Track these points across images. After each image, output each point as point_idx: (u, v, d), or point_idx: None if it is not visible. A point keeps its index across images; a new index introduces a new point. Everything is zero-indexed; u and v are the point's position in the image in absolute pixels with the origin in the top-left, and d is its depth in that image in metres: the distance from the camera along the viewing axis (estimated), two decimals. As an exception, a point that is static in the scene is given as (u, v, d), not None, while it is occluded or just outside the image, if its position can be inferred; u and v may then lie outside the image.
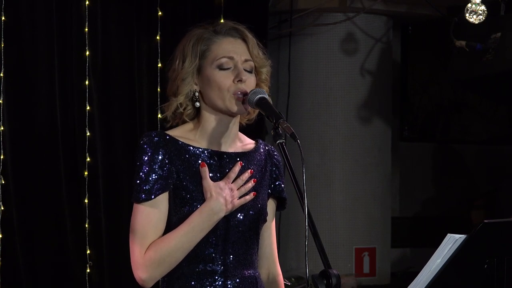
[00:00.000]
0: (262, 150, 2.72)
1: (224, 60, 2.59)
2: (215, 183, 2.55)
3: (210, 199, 2.53)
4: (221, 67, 2.59)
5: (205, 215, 2.53)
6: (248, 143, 2.71)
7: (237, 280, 2.60)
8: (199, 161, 2.58)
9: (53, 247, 5.36)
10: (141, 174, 2.53)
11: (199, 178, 2.56)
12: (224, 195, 2.54)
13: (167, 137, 2.58)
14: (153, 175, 2.53)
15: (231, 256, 2.60)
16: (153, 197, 2.53)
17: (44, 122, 5.34)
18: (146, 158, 2.54)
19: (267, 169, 2.71)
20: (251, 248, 2.64)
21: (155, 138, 2.56)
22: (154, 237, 2.53)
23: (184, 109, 2.63)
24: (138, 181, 2.53)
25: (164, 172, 2.54)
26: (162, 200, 2.55)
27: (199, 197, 2.55)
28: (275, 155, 2.74)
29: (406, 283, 2.37)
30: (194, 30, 2.65)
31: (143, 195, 2.52)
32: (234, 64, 2.59)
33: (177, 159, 2.56)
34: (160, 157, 2.54)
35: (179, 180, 2.56)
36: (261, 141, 2.75)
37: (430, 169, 7.71)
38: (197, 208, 2.54)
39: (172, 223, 2.57)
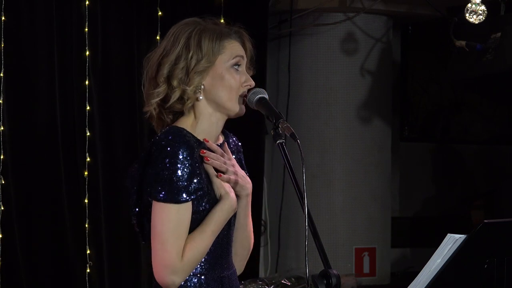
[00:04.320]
0: (230, 139, 2.71)
1: (238, 59, 2.58)
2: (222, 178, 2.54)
3: (227, 196, 2.51)
4: (235, 66, 2.58)
5: (226, 212, 2.51)
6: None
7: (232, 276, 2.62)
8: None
9: (53, 247, 5.36)
10: (180, 173, 2.43)
11: (204, 173, 2.53)
12: (231, 189, 2.54)
13: (186, 133, 2.52)
14: (189, 173, 2.45)
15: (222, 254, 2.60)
16: (193, 197, 2.46)
17: (44, 122, 5.34)
18: (180, 156, 2.44)
19: (238, 157, 2.71)
20: (231, 243, 2.63)
21: (185, 137, 2.49)
22: (185, 239, 2.46)
23: (187, 99, 2.57)
24: (175, 180, 2.43)
25: (196, 169, 2.48)
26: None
27: (206, 193, 2.51)
28: (238, 142, 2.74)
29: (406, 283, 2.37)
30: (207, 24, 2.61)
31: (185, 195, 2.44)
32: (242, 65, 2.60)
33: (194, 155, 2.51)
34: (192, 154, 2.47)
35: None
36: (225, 131, 2.72)
37: (430, 169, 7.71)
38: (204, 205, 2.50)
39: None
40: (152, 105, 2.61)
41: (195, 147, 2.49)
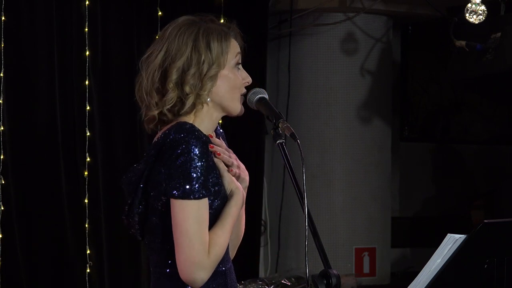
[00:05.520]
0: (217, 131, 2.69)
1: (239, 57, 2.58)
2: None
3: (238, 191, 2.51)
4: (237, 64, 2.57)
5: (239, 207, 2.51)
6: None
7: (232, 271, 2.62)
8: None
9: (53, 247, 5.37)
10: (198, 169, 2.41)
11: None
12: (238, 184, 2.55)
13: (198, 129, 2.49)
14: (206, 168, 2.43)
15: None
16: (212, 190, 2.45)
17: (44, 122, 5.34)
18: (197, 152, 2.42)
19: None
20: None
21: (199, 132, 2.46)
22: (208, 234, 2.46)
23: (198, 104, 2.54)
24: (193, 176, 2.40)
25: (211, 164, 2.47)
26: None
27: (218, 190, 2.51)
28: (222, 131, 2.72)
29: (406, 283, 2.37)
30: (208, 24, 2.61)
31: (204, 191, 2.42)
32: (240, 62, 2.60)
33: (209, 151, 2.50)
34: (207, 150, 2.46)
35: None
36: None
37: (430, 169, 7.71)
38: (217, 200, 2.48)
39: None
40: (158, 110, 2.58)
41: (207, 142, 2.48)
